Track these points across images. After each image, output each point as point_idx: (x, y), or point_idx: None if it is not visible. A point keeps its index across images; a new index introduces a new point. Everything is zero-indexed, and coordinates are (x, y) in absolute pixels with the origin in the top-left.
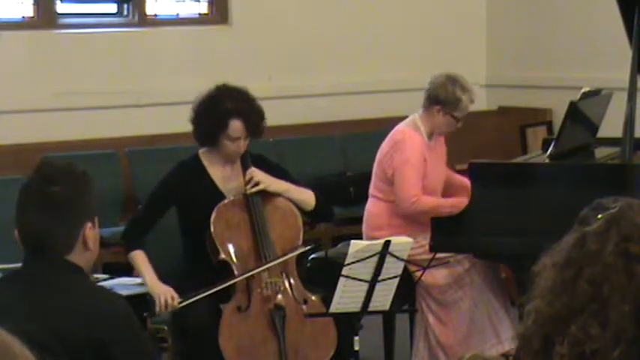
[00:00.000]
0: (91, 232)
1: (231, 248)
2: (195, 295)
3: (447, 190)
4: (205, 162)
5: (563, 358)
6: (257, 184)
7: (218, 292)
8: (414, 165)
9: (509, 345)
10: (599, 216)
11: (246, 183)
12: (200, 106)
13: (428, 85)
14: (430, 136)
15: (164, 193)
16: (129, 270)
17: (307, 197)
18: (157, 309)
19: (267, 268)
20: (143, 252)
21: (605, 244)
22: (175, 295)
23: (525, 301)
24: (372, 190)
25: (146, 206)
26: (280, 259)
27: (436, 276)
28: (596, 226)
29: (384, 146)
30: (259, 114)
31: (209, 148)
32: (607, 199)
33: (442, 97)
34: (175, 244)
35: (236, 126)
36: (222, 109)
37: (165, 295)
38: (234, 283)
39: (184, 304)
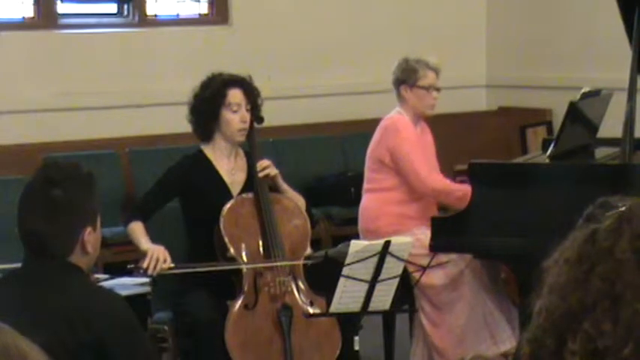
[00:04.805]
0: (91, 236)
1: (240, 245)
2: (191, 267)
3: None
4: (210, 155)
5: (575, 355)
6: (269, 171)
7: (224, 288)
8: (413, 142)
9: (504, 346)
10: (609, 213)
11: (261, 169)
12: (195, 96)
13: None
14: (415, 123)
15: (171, 180)
16: (129, 270)
17: (300, 202)
18: (145, 264)
19: (275, 267)
20: (142, 224)
21: (618, 241)
22: (169, 259)
23: (533, 301)
24: (364, 187)
25: (151, 192)
26: (290, 263)
27: (432, 277)
28: (607, 223)
29: (375, 137)
30: (255, 87)
31: (212, 142)
32: (613, 197)
33: (400, 75)
34: (176, 245)
35: (235, 93)
36: (218, 81)
37: (157, 253)
38: (243, 281)
39: (175, 271)
